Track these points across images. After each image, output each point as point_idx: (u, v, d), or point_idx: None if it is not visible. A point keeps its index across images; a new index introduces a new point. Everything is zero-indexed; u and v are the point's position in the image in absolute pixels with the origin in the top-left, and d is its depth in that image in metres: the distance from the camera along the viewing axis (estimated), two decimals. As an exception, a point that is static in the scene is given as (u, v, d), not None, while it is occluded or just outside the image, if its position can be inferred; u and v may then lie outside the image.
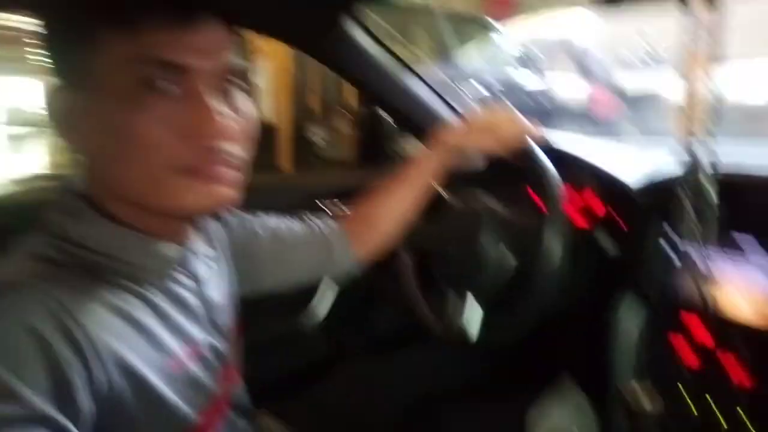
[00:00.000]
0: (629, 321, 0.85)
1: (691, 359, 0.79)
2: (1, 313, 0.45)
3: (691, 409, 0.78)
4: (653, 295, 0.82)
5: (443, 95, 1.27)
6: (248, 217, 0.83)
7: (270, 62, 3.55)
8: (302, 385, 1.03)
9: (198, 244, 0.66)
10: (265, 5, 1.01)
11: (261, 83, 3.77)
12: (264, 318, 1.18)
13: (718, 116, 0.57)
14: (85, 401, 0.46)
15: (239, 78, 0.56)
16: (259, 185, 1.28)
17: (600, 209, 0.96)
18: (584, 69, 5.56)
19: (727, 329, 0.76)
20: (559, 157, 0.85)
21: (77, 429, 0.44)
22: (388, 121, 1.37)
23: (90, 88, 0.50)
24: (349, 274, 0.92)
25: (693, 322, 0.80)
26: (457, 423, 0.93)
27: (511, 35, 5.25)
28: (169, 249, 0.58)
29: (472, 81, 4.60)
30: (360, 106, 1.48)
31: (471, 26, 4.97)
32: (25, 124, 5.09)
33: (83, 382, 0.46)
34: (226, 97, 0.54)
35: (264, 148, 1.36)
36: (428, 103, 1.24)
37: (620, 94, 5.43)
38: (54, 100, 0.52)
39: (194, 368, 0.59)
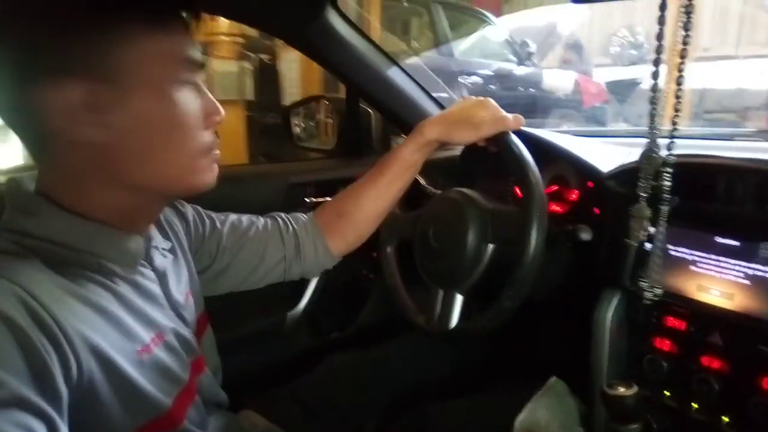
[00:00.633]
0: (609, 313, 0.87)
1: (666, 347, 0.81)
2: None
3: (668, 397, 0.80)
4: (629, 284, 0.84)
5: (424, 86, 1.28)
6: (207, 211, 0.84)
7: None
8: (285, 379, 1.03)
9: (155, 235, 0.67)
10: None
11: (292, 73, 3.79)
12: (246, 312, 1.19)
13: (680, 104, 0.59)
14: (62, 387, 0.46)
15: None
16: (238, 174, 1.29)
17: (575, 195, 0.98)
18: (572, 58, 5.69)
19: (700, 315, 0.78)
20: (534, 144, 0.85)
21: (58, 414, 0.45)
22: (369, 112, 1.37)
23: (119, 82, 0.52)
24: (323, 267, 0.92)
25: (666, 310, 0.82)
26: (443, 415, 0.94)
27: (502, 25, 5.30)
28: (135, 241, 0.60)
29: (465, 70, 4.65)
30: (340, 96, 1.47)
31: (464, 16, 5.00)
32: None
33: (58, 367, 0.46)
34: None
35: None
36: (409, 95, 1.25)
37: (607, 83, 5.58)
38: (58, 93, 0.51)
39: (163, 356, 0.60)
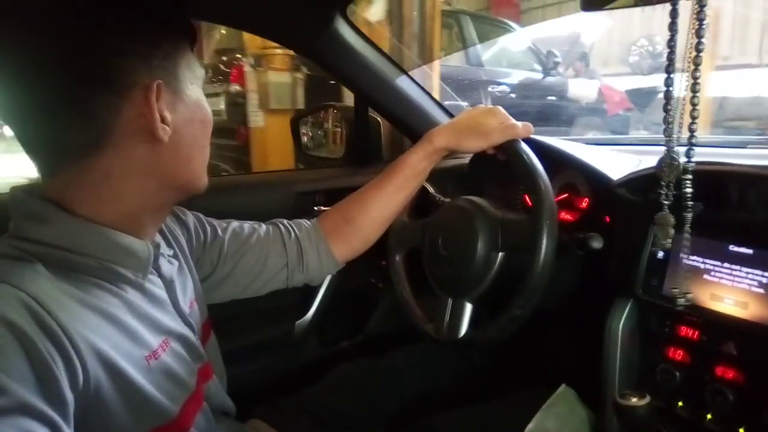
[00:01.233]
0: (621, 322, 0.85)
1: (679, 357, 0.80)
2: None
3: (682, 408, 0.79)
4: (641, 293, 0.83)
5: (432, 94, 1.28)
6: (209, 219, 0.84)
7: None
8: (293, 388, 1.03)
9: (161, 243, 0.68)
10: (259, 6, 1.01)
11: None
12: (255, 321, 1.19)
13: (697, 112, 0.58)
14: (67, 393, 0.46)
15: None
16: (246, 183, 1.29)
17: (585, 203, 0.97)
18: (580, 68, 5.78)
19: (714, 325, 0.77)
20: (544, 152, 0.85)
21: (63, 420, 0.45)
22: (378, 121, 1.37)
23: (174, 84, 0.59)
24: (327, 273, 0.92)
25: (680, 319, 0.81)
26: (451, 424, 0.93)
27: (524, 35, 5.39)
28: (145, 246, 0.60)
29: (494, 79, 4.82)
30: (349, 105, 1.48)
31: (489, 26, 5.10)
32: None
33: (64, 373, 0.46)
34: None
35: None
36: (417, 103, 1.25)
37: (627, 91, 5.69)
38: (129, 99, 0.55)
39: (170, 362, 0.60)
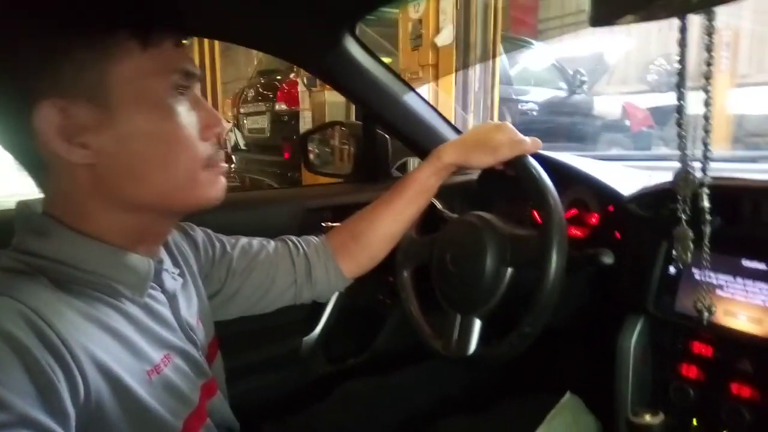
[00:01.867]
0: (633, 339, 0.84)
1: (693, 374, 0.79)
2: None
3: (697, 427, 0.78)
4: (653, 309, 0.82)
5: (439, 111, 1.29)
6: (218, 235, 0.84)
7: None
8: (300, 406, 1.02)
9: (165, 259, 0.68)
10: (269, 24, 1.03)
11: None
12: (261, 338, 1.18)
13: (710, 126, 0.58)
14: (69, 406, 0.46)
15: None
16: (255, 199, 1.29)
17: (595, 219, 0.96)
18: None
19: (728, 341, 0.76)
20: (553, 168, 0.85)
21: None
22: (386, 138, 1.38)
23: (107, 102, 0.52)
24: (335, 290, 0.92)
25: (693, 335, 0.79)
26: None
27: (546, 53, 5.52)
28: (144, 262, 0.59)
29: (522, 97, 4.96)
30: (356, 122, 1.49)
31: (511, 45, 5.17)
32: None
33: (65, 386, 0.46)
34: None
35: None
36: (425, 119, 1.26)
37: (650, 108, 5.88)
38: (50, 116, 0.51)
39: (172, 377, 0.59)
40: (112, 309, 0.55)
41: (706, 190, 0.62)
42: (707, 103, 0.57)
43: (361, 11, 1.05)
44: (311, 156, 1.59)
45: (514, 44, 5.18)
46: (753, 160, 1.19)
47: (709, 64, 0.57)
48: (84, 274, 0.54)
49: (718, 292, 0.76)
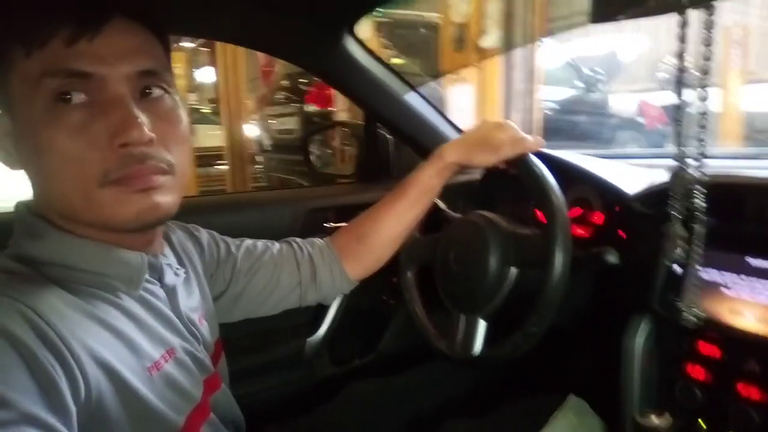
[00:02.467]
0: (638, 339, 0.84)
1: (699, 374, 0.78)
2: None
3: (704, 429, 0.77)
4: (659, 309, 0.81)
5: (440, 110, 1.28)
6: (222, 236, 0.84)
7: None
8: (305, 407, 1.02)
9: (168, 256, 0.67)
10: (267, 24, 1.02)
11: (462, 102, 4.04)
12: (266, 339, 1.18)
13: (707, 124, 0.58)
14: (70, 403, 0.46)
15: (161, 82, 0.56)
16: (257, 200, 1.29)
17: (599, 218, 0.96)
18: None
19: (734, 341, 0.75)
20: (557, 167, 0.84)
21: (68, 430, 0.44)
22: (387, 138, 1.37)
23: (10, 109, 0.52)
24: (340, 291, 0.91)
25: (699, 335, 0.79)
26: None
27: (559, 52, 5.57)
28: (136, 257, 0.58)
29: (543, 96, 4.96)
30: (357, 122, 1.48)
31: None
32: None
33: (65, 383, 0.46)
34: (145, 101, 0.54)
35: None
36: (427, 119, 1.25)
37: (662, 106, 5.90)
38: None
39: (173, 373, 0.59)
40: (110, 305, 0.55)
41: (699, 188, 0.61)
42: (703, 99, 0.56)
43: (360, 11, 1.05)
44: (313, 157, 1.59)
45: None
46: (755, 156, 1.18)
47: (706, 59, 0.57)
48: (78, 273, 0.54)
49: (723, 290, 0.75)
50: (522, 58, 3.59)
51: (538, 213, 0.99)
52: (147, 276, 0.60)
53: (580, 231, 0.97)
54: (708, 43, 0.58)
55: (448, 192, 0.94)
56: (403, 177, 0.92)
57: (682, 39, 0.59)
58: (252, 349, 1.16)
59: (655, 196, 0.83)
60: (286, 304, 0.87)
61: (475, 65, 3.39)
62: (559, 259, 0.74)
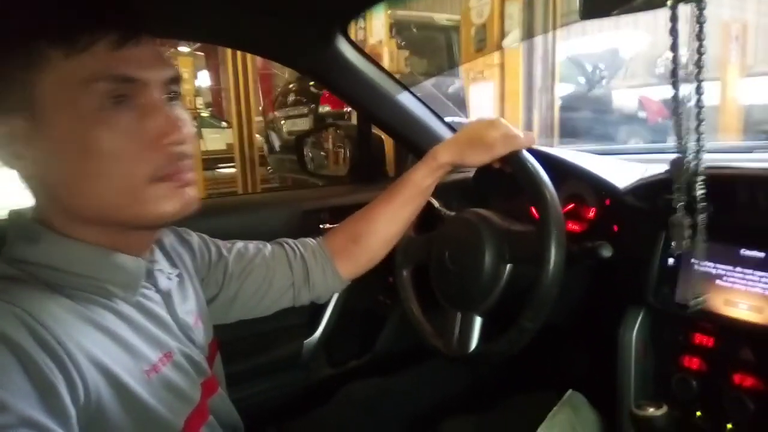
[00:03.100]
0: (634, 332, 0.84)
1: (695, 365, 0.79)
2: None
3: (701, 417, 0.77)
4: (653, 301, 0.82)
5: (434, 110, 1.28)
6: (213, 239, 0.84)
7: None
8: (302, 409, 1.02)
9: (161, 260, 0.68)
10: (258, 25, 1.02)
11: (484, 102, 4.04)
12: (263, 341, 1.18)
13: (703, 114, 0.58)
14: (69, 406, 0.46)
15: (179, 87, 0.59)
16: (251, 202, 1.29)
17: (592, 212, 0.96)
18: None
19: (729, 331, 0.76)
20: (549, 163, 0.85)
21: None
22: (381, 138, 1.38)
23: (38, 111, 0.51)
24: (333, 291, 0.92)
25: (693, 326, 0.79)
26: None
27: (563, 49, 5.63)
28: (133, 262, 0.59)
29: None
30: (351, 123, 1.48)
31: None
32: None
33: (64, 386, 0.46)
34: (169, 105, 0.57)
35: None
36: (420, 119, 1.25)
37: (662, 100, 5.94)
38: None
39: (171, 376, 0.59)
40: (106, 310, 0.55)
41: (700, 179, 0.62)
42: (699, 92, 0.57)
43: (352, 11, 1.05)
44: (306, 159, 1.59)
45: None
46: (749, 150, 1.18)
47: (700, 53, 0.57)
48: (75, 277, 0.54)
49: (718, 281, 0.76)
50: (542, 55, 3.68)
51: (532, 209, 0.99)
52: (143, 281, 0.61)
53: (573, 226, 0.98)
54: (700, 37, 0.58)
55: (442, 190, 0.95)
56: (397, 177, 0.92)
57: (674, 34, 0.59)
58: (249, 352, 1.15)
59: (648, 189, 0.84)
60: (280, 305, 0.87)
61: (495, 64, 3.46)
62: (553, 255, 0.74)
